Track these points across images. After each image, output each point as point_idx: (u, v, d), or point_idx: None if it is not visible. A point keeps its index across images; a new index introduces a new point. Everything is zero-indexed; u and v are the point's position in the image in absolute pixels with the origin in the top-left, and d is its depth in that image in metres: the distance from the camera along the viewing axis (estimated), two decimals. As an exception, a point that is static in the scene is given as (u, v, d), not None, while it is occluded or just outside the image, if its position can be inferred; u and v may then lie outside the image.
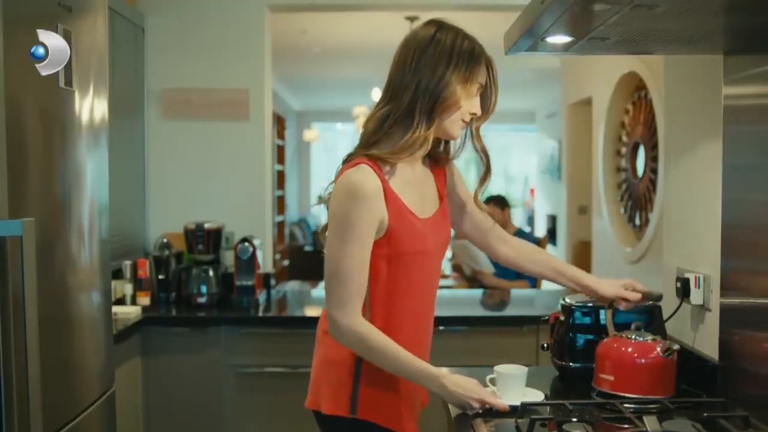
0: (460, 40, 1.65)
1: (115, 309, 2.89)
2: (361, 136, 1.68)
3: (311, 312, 3.39)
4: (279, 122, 7.66)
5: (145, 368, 2.92)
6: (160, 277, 3.19)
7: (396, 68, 1.65)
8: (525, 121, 12.64)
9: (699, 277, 1.77)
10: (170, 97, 3.52)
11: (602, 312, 1.86)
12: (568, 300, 1.95)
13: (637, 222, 5.54)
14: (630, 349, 1.68)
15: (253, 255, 3.13)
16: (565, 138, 7.75)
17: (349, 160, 1.65)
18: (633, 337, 1.70)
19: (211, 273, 3.16)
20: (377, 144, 1.64)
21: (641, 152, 5.60)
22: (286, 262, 7.98)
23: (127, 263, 3.08)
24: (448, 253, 7.94)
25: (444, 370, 1.62)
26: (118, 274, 3.08)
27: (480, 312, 3.44)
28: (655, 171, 5.26)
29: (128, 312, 2.87)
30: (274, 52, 6.78)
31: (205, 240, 3.13)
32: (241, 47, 3.55)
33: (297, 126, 11.66)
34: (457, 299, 3.75)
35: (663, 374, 1.66)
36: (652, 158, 5.34)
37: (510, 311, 3.50)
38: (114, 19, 3.17)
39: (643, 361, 1.66)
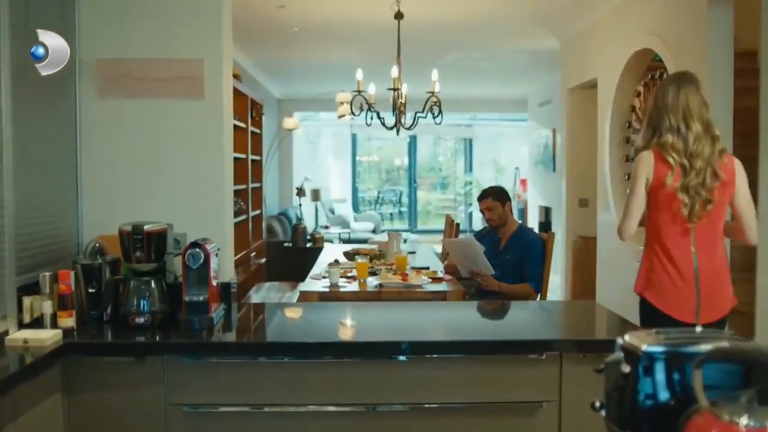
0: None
1: (26, 333, 2.28)
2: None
3: (285, 331, 2.80)
4: (255, 109, 7.03)
5: (68, 409, 2.30)
6: (91, 290, 2.57)
7: None
8: (516, 109, 12.17)
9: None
10: (107, 70, 2.89)
11: (688, 367, 1.26)
12: (633, 340, 1.36)
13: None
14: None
15: (206, 263, 2.52)
16: (565, 125, 7.17)
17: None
18: (744, 421, 1.09)
19: (153, 285, 2.55)
20: None
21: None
22: (263, 260, 7.36)
23: (46, 275, 2.46)
24: (438, 250, 7.37)
25: None
26: (35, 288, 2.48)
27: (484, 334, 2.81)
28: (672, 160, 4.70)
29: (42, 338, 2.26)
30: (249, 31, 6.13)
31: (144, 245, 2.51)
32: (194, 7, 2.92)
33: (278, 114, 11.04)
34: (453, 318, 3.13)
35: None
36: (669, 146, 4.78)
37: (523, 332, 2.81)
38: (30, -31, 2.54)
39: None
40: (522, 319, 2.95)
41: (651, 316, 2.75)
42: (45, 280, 2.46)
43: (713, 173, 2.70)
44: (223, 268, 2.96)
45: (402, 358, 2.34)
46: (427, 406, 2.32)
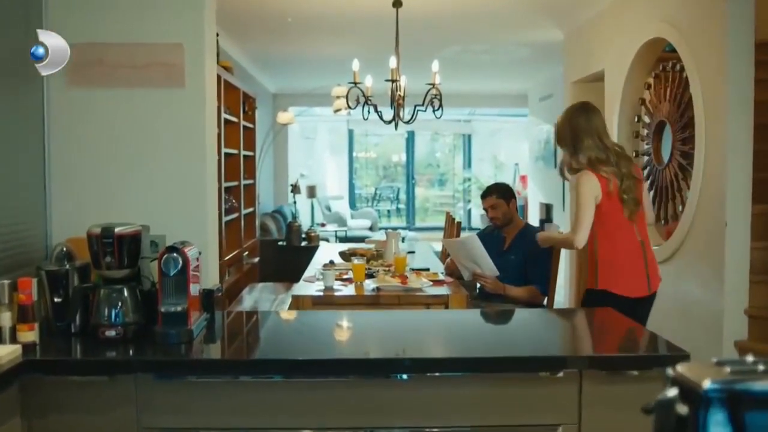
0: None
1: (-22, 351, 2.02)
2: None
3: (273, 345, 2.54)
4: (248, 103, 6.78)
5: (27, 434, 2.05)
6: (57, 300, 2.32)
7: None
8: (516, 104, 11.93)
9: None
10: (78, 56, 2.61)
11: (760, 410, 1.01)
12: (690, 374, 1.11)
13: (662, 216, 4.74)
14: None
15: (185, 269, 2.27)
16: (569, 120, 6.92)
17: None
18: None
19: (126, 294, 2.30)
20: None
21: (667, 134, 4.80)
22: (256, 260, 7.10)
23: (5, 283, 2.21)
24: (438, 249, 7.11)
25: None
26: (-6, 298, 2.22)
27: (494, 349, 2.51)
28: (686, 155, 4.46)
29: (-2, 356, 2.00)
30: (240, 22, 5.85)
31: (115, 250, 2.25)
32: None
33: (273, 109, 10.77)
34: (457, 329, 2.86)
35: None
36: (682, 140, 4.53)
37: (537, 346, 2.47)
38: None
39: None
40: (533, 330, 2.69)
41: (609, 303, 3.03)
42: (3, 289, 2.20)
43: (634, 178, 3.30)
44: (207, 273, 2.72)
45: (403, 376, 2.09)
46: (428, 430, 2.07)
